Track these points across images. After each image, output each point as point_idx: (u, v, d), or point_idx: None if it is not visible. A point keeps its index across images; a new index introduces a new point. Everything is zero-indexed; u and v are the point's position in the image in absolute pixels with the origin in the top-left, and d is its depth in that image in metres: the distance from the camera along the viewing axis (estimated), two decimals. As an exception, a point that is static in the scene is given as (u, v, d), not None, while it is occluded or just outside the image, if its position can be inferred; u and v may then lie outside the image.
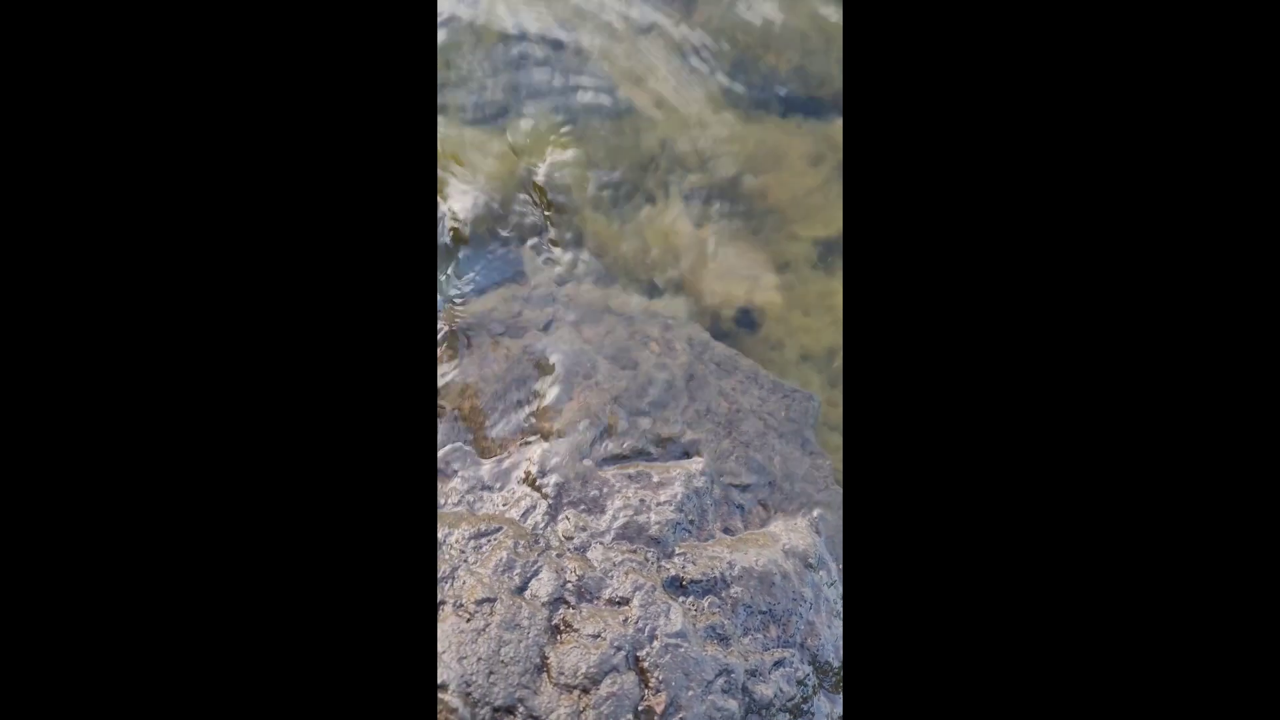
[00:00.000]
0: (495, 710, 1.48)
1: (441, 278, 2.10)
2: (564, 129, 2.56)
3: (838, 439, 2.30)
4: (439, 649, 1.52)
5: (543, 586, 1.63)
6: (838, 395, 2.38)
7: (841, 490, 2.14)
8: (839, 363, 2.41)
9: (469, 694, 1.49)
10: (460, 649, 1.52)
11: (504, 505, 1.78)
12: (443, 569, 1.63)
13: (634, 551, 1.78)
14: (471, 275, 2.14)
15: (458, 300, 2.07)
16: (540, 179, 2.37)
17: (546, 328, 2.07)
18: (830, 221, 2.65)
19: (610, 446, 1.92)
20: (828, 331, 2.46)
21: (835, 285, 2.55)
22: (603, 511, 1.81)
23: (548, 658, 1.56)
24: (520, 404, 1.91)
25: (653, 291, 2.28)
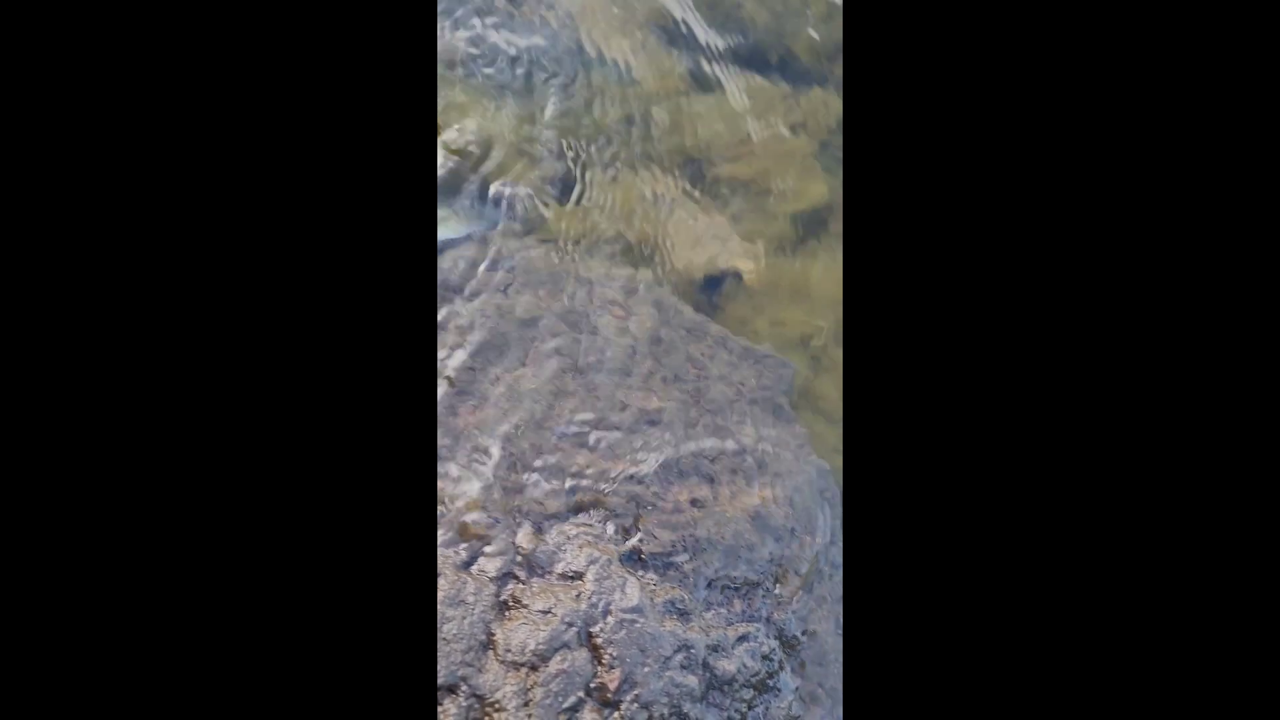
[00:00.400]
0: (436, 689, 1.42)
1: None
2: (536, 85, 2.45)
3: (812, 412, 2.21)
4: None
5: (490, 561, 1.57)
6: (817, 368, 2.29)
7: (816, 459, 2.06)
8: (818, 341, 2.31)
9: (408, 672, 1.42)
10: (401, 626, 1.46)
11: (453, 476, 1.70)
12: (385, 543, 1.56)
13: (590, 524, 1.71)
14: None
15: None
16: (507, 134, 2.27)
17: (505, 290, 1.98)
18: (809, 194, 2.54)
19: (568, 415, 1.84)
20: (806, 305, 2.37)
21: (814, 259, 2.45)
22: (559, 482, 1.74)
23: (494, 634, 1.50)
24: (473, 370, 1.83)
25: (617, 257, 2.18)
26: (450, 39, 2.44)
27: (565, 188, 2.27)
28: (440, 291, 1.91)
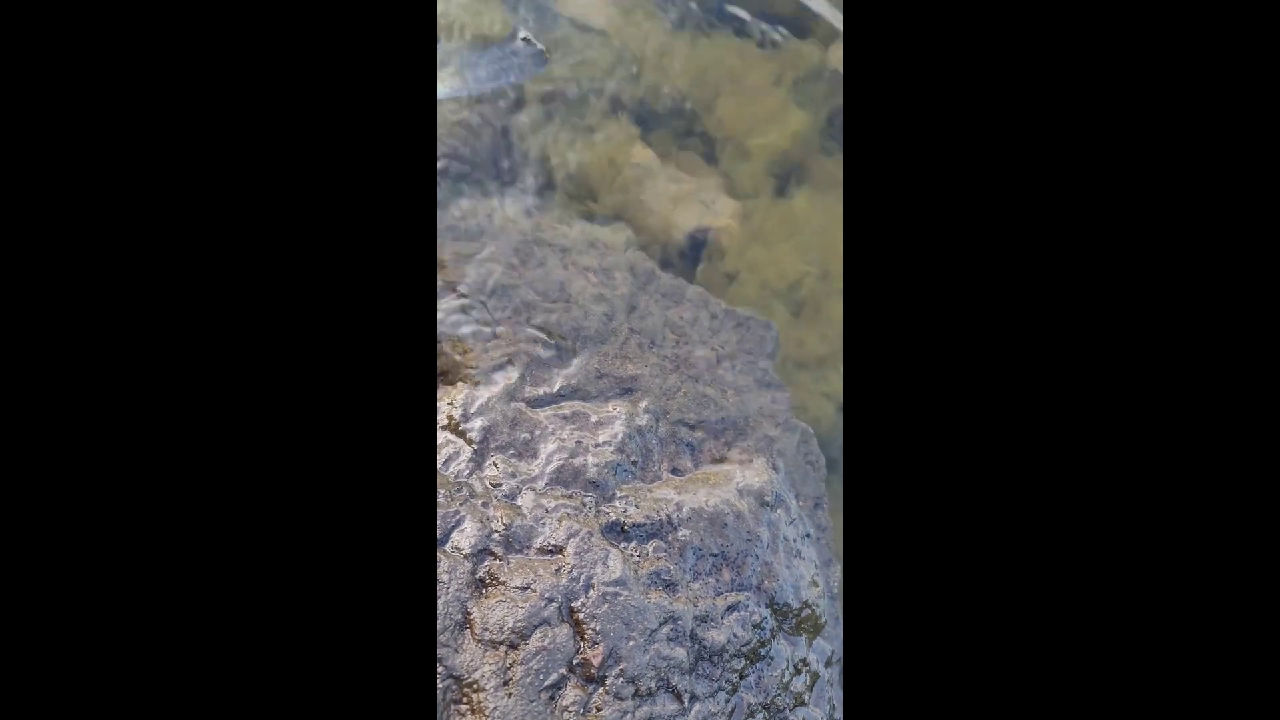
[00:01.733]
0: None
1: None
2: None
3: (799, 374, 2.16)
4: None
5: (465, 538, 1.50)
6: (801, 327, 2.23)
7: (800, 422, 2.01)
8: (801, 298, 2.25)
9: (381, 656, 1.36)
10: (372, 608, 1.39)
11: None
12: (353, 524, 1.50)
13: (569, 497, 1.64)
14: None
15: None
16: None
17: (474, 258, 1.90)
18: (787, 149, 2.47)
19: (543, 386, 1.77)
20: (789, 261, 2.30)
21: (795, 212, 2.38)
22: (535, 455, 1.67)
23: (470, 613, 1.44)
24: (442, 340, 1.76)
25: (591, 219, 2.11)
26: None
27: (531, 146, 2.18)
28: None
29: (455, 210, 1.96)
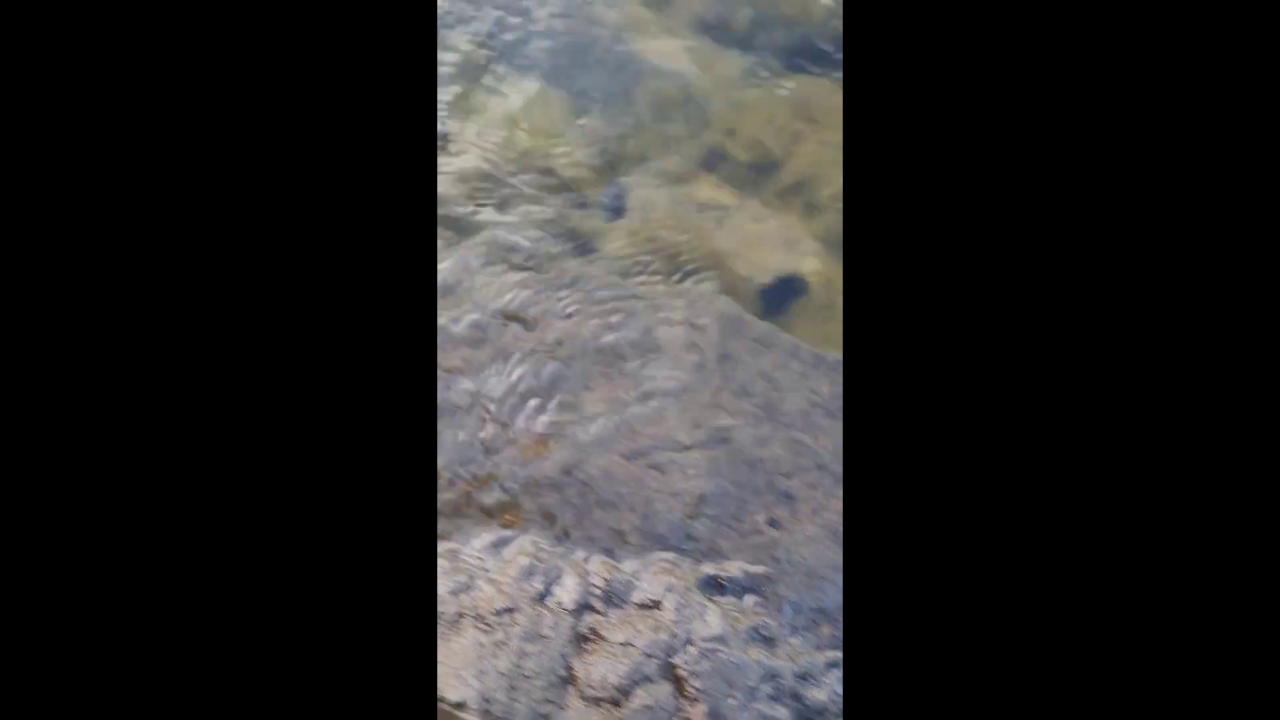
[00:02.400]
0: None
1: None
2: (578, 97, 2.42)
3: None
4: (457, 665, 1.44)
5: (566, 593, 1.53)
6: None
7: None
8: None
9: (489, 711, 1.40)
10: (480, 664, 1.43)
11: (525, 510, 1.68)
12: (460, 579, 1.54)
13: (666, 551, 1.65)
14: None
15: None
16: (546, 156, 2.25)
17: (566, 315, 1.95)
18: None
19: (637, 438, 1.79)
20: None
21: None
22: (631, 510, 1.69)
23: (574, 669, 1.46)
24: (535, 395, 1.80)
25: (677, 269, 2.13)
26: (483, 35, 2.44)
27: (616, 204, 2.23)
28: (501, 320, 1.90)
29: (546, 263, 2.02)
